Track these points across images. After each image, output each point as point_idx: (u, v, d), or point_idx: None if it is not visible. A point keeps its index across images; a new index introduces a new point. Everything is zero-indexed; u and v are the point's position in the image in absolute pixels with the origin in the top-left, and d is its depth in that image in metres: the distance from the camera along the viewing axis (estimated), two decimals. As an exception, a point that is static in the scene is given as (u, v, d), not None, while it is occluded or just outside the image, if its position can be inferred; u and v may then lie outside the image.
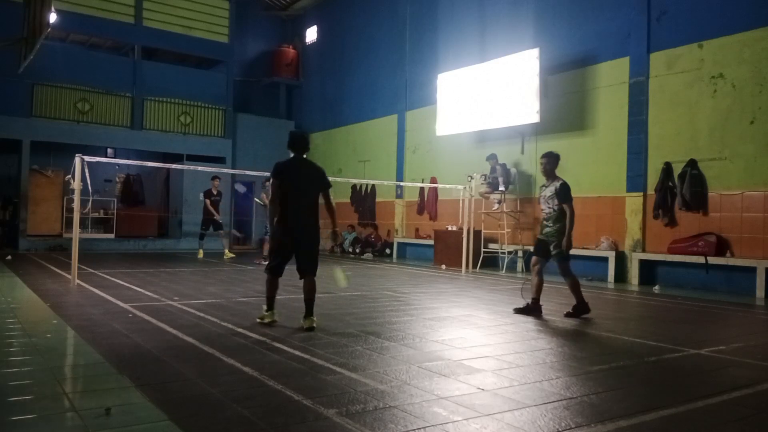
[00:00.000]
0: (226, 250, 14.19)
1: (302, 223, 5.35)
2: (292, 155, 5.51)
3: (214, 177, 13.93)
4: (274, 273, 5.46)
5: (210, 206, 13.77)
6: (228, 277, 9.82)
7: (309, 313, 5.36)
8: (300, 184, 5.36)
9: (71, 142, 15.15)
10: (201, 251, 14.12)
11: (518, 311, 6.62)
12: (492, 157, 12.50)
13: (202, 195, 14.20)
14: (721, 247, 9.50)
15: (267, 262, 5.63)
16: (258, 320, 5.55)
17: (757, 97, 9.29)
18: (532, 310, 6.54)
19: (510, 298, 7.33)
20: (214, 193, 13.89)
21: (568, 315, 6.51)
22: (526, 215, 12.70)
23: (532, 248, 12.02)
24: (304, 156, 5.54)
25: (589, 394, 3.55)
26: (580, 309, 6.52)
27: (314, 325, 5.30)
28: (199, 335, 4.93)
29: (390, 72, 17.07)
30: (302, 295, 5.45)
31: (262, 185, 12.80)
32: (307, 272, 5.37)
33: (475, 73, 13.47)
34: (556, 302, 7.51)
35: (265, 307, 5.56)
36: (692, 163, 9.91)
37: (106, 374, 3.77)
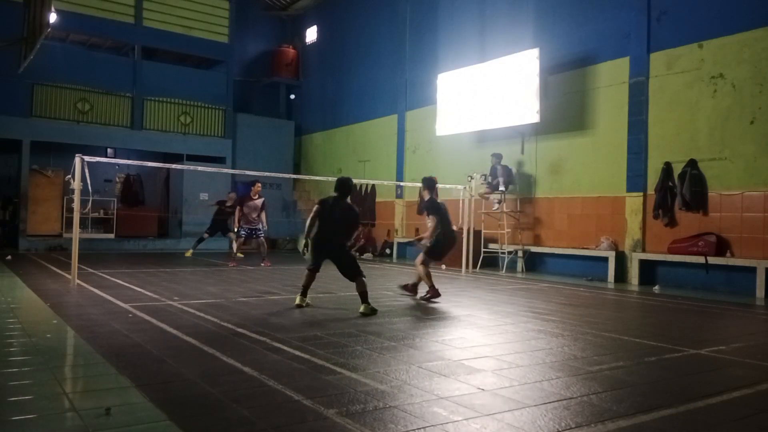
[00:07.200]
0: (235, 250, 14.02)
1: (334, 243, 6.59)
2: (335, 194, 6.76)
3: (231, 192, 14.24)
4: (313, 270, 6.69)
5: (217, 215, 13.63)
6: (228, 277, 9.81)
7: (363, 301, 6.34)
8: (336, 219, 6.56)
9: (71, 142, 15.15)
10: (191, 251, 13.87)
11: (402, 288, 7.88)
12: (496, 156, 12.50)
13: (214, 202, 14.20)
14: (721, 247, 9.50)
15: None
16: (295, 305, 6.59)
17: (757, 97, 9.29)
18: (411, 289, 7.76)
19: (510, 298, 7.32)
20: (228, 204, 13.53)
21: (422, 297, 7.52)
22: (527, 215, 12.70)
23: (530, 248, 12.28)
24: (347, 198, 6.78)
25: (589, 394, 3.55)
26: (428, 292, 7.47)
27: (364, 311, 6.21)
28: (199, 335, 4.93)
29: (390, 72, 17.07)
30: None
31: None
32: (353, 278, 6.49)
33: (474, 73, 13.47)
34: (556, 302, 7.51)
35: (299, 295, 6.68)
36: (692, 163, 9.91)
37: (106, 374, 3.77)
